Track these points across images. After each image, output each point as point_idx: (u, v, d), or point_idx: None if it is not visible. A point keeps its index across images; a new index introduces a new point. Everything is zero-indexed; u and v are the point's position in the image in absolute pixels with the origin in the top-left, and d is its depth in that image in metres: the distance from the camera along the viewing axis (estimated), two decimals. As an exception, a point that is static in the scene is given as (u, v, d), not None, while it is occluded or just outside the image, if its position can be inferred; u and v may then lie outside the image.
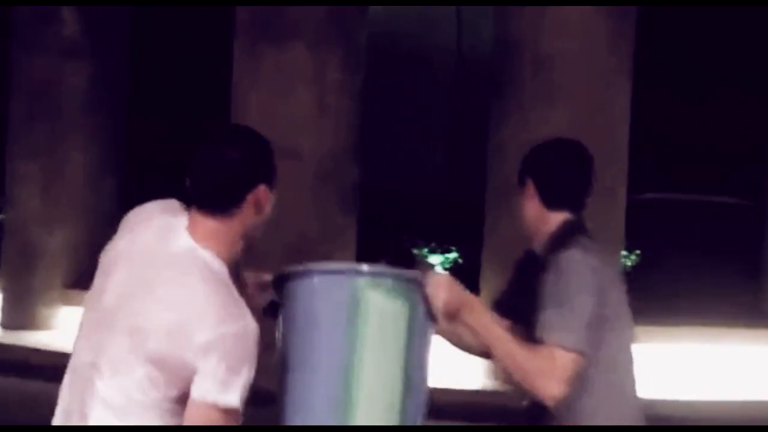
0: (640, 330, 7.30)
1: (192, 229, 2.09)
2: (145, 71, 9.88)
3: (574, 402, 2.36)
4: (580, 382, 2.33)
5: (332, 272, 2.27)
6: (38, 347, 7.58)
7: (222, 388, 1.95)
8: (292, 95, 6.84)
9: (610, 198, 6.64)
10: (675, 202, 9.68)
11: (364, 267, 2.21)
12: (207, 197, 2.08)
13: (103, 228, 8.55)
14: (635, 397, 2.54)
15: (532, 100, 6.66)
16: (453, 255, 8.93)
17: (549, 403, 2.30)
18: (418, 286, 2.22)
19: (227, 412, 1.96)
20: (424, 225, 9.28)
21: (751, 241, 8.43)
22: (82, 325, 2.16)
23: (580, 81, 6.63)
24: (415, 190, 10.46)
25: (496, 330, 2.33)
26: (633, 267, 8.55)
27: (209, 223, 2.08)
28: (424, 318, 2.22)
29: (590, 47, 6.62)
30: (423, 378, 2.24)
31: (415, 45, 11.07)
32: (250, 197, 2.09)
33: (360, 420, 2.12)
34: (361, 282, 2.16)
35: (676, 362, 7.19)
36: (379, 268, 2.19)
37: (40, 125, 8.18)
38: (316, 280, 2.21)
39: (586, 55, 6.62)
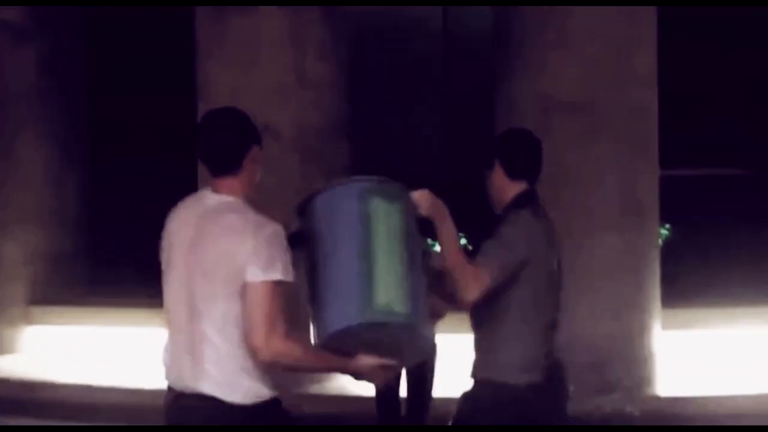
0: (678, 314, 6.47)
1: (214, 189, 2.87)
2: (101, 53, 9.02)
3: (497, 311, 3.22)
4: (500, 298, 3.19)
5: (347, 183, 2.97)
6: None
7: (265, 269, 2.72)
8: (264, 65, 6.00)
9: (639, 170, 5.87)
10: (695, 177, 9.03)
11: (370, 178, 2.97)
12: (217, 165, 2.84)
13: (72, 234, 7.70)
14: (548, 318, 3.32)
15: (541, 56, 5.86)
16: (462, 241, 8.16)
17: (464, 301, 3.12)
18: (406, 192, 3.02)
19: (275, 284, 2.73)
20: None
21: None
22: (168, 288, 2.88)
23: (596, 30, 5.82)
24: (412, 172, 9.67)
25: (453, 239, 3.14)
26: (666, 242, 7.89)
27: (225, 182, 2.85)
28: (413, 217, 3.03)
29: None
30: (419, 258, 2.96)
31: (400, 18, 10.30)
32: (249, 156, 2.84)
33: (380, 287, 2.81)
34: (368, 187, 2.93)
35: (714, 348, 6.58)
36: (380, 178, 2.97)
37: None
38: (337, 189, 2.94)
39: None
